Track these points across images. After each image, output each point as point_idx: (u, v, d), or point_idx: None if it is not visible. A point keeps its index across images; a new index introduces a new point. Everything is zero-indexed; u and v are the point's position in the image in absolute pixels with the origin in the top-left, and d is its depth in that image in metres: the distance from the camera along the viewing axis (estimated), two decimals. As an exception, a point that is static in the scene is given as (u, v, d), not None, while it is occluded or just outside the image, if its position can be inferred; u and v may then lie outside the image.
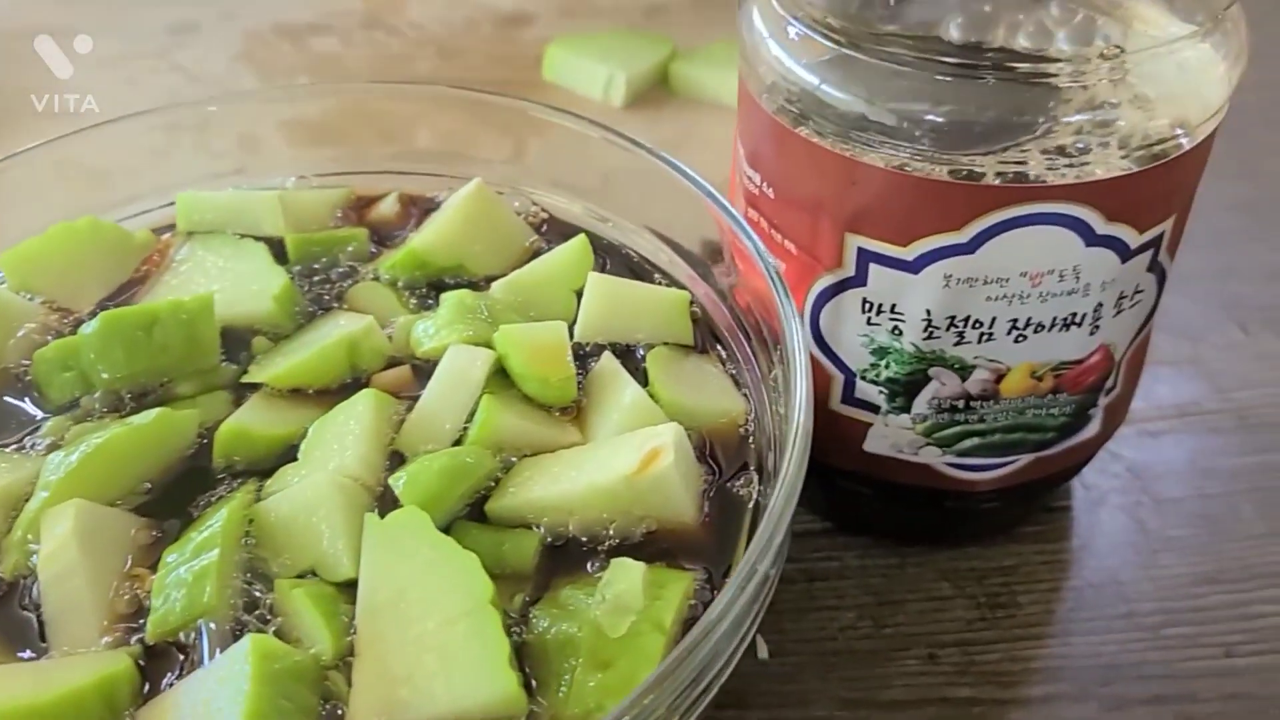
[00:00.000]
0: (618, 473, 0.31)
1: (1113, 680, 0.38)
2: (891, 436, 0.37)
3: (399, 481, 0.31)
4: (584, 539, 0.31)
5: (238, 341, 0.37)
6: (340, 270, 0.40)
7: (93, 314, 0.36)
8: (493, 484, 0.32)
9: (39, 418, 0.34)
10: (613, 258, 0.41)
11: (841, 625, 0.40)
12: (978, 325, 0.34)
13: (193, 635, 0.29)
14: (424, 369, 0.35)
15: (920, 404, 0.36)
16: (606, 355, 0.36)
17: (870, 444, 0.38)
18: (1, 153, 0.40)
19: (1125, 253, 0.33)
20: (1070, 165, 0.31)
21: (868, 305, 0.34)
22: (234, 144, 0.47)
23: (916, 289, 0.33)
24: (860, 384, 0.36)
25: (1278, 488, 0.45)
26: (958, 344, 0.34)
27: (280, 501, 0.31)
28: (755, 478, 0.33)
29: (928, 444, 0.37)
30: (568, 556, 0.31)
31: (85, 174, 0.45)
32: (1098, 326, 0.34)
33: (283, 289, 0.37)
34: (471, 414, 0.33)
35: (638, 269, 0.40)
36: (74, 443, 0.32)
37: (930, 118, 0.31)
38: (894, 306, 0.34)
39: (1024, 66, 0.30)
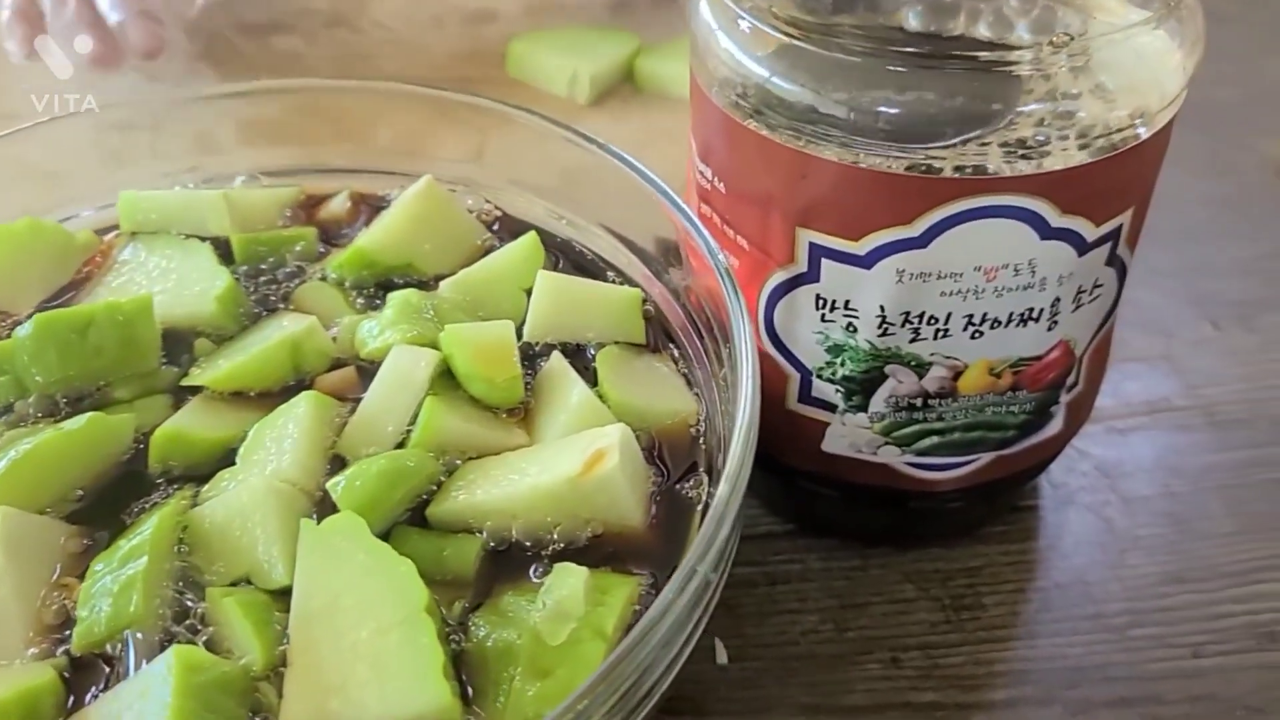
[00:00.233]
0: (562, 475, 0.30)
1: (1078, 683, 0.38)
2: (850, 436, 0.37)
3: (337, 486, 0.30)
4: (528, 543, 0.30)
5: (180, 344, 0.36)
6: (287, 270, 0.39)
7: (31, 317, 0.35)
8: (435, 488, 0.31)
9: (-29, 423, 0.33)
10: (567, 256, 0.40)
11: (803, 629, 0.39)
12: (933, 321, 0.33)
13: (120, 647, 0.28)
14: (369, 370, 0.34)
15: (877, 402, 0.35)
16: (555, 355, 0.35)
17: (828, 444, 0.37)
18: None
19: (1082, 246, 0.32)
20: (1028, 157, 0.30)
21: (821, 301, 0.34)
22: (190, 143, 0.46)
23: (869, 285, 0.32)
24: (816, 382, 0.36)
25: (1246, 485, 0.44)
26: (913, 341, 0.33)
27: (215, 507, 0.30)
28: (705, 479, 0.32)
29: (886, 443, 0.36)
30: (510, 562, 0.30)
31: (32, 173, 0.44)
32: (1056, 322, 0.34)
33: (226, 289, 0.36)
34: (415, 416, 0.32)
35: (591, 267, 0.40)
36: (2, 449, 0.31)
37: (887, 110, 0.30)
38: (848, 303, 0.33)
39: (982, 55, 0.30)
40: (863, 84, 0.31)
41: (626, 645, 0.24)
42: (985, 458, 0.37)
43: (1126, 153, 0.31)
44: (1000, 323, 0.33)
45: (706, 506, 0.31)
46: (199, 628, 0.28)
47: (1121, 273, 0.35)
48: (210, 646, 0.28)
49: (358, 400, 0.33)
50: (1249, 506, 0.43)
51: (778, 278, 0.34)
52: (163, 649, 0.27)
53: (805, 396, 0.36)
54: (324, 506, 0.31)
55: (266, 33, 0.68)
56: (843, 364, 0.35)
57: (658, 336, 0.37)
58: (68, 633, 0.28)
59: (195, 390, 0.34)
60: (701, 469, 0.33)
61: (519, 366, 0.34)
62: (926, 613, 0.40)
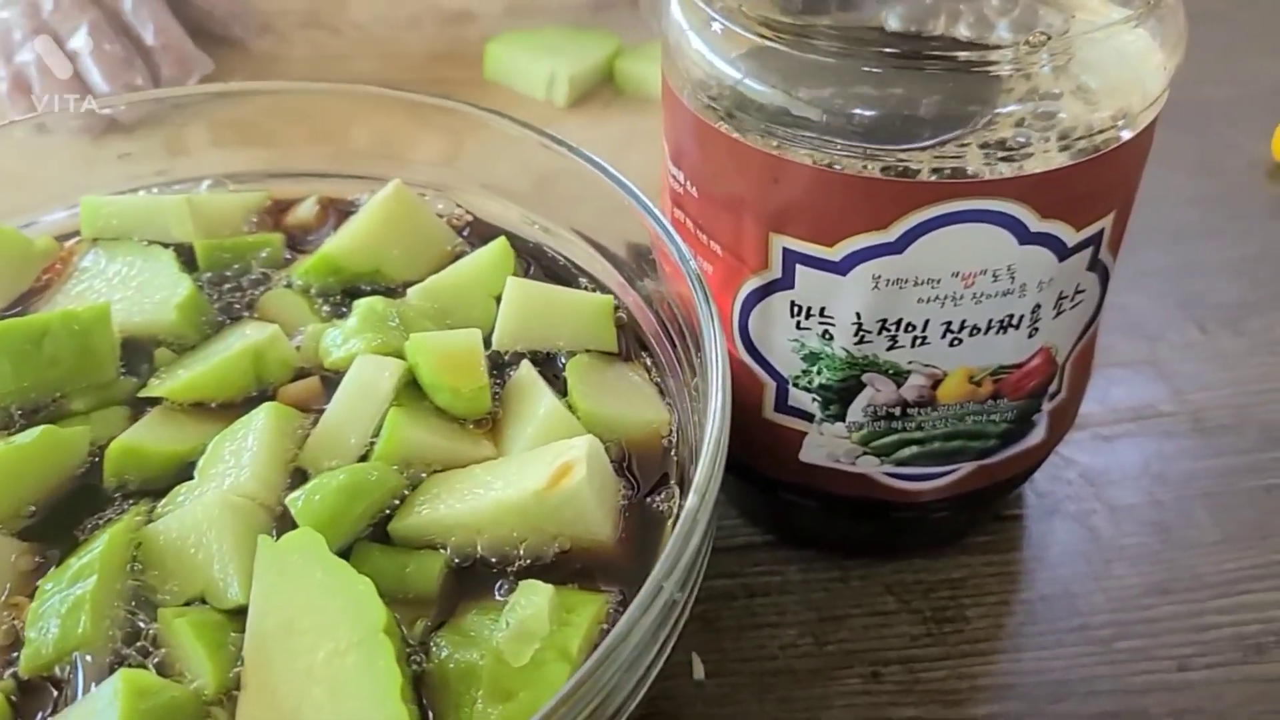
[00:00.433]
0: (528, 489, 0.29)
1: (1063, 697, 0.37)
2: (827, 446, 0.36)
3: (296, 501, 0.29)
4: (493, 560, 0.29)
5: (140, 354, 0.35)
6: (253, 277, 0.38)
7: (-13, 326, 0.34)
8: (399, 502, 0.30)
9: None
10: (539, 262, 0.39)
11: (782, 643, 0.39)
12: (910, 329, 0.32)
13: (68, 669, 0.27)
14: (334, 380, 0.33)
15: (855, 412, 0.34)
16: (525, 364, 0.34)
17: (806, 454, 0.36)
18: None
19: (1062, 251, 0.31)
20: (1007, 160, 0.30)
21: (796, 308, 0.33)
22: (159, 146, 0.45)
23: (845, 291, 0.32)
24: (793, 391, 0.35)
25: (1232, 492, 0.43)
26: (891, 348, 0.33)
27: (169, 523, 0.29)
28: (677, 491, 0.31)
29: (865, 453, 0.36)
30: (475, 579, 0.29)
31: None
32: (1037, 328, 0.33)
33: (187, 297, 0.35)
34: (380, 428, 0.31)
35: (564, 274, 0.39)
36: (-49, 464, 0.30)
37: (863, 112, 0.30)
38: (823, 310, 0.32)
39: (959, 55, 0.29)
40: (837, 85, 0.30)
41: (588, 668, 0.23)
42: (966, 467, 0.36)
43: (1108, 154, 0.30)
44: (979, 330, 0.32)
45: (678, 519, 0.30)
46: (150, 650, 0.27)
47: (1104, 278, 0.34)
48: (163, 669, 0.27)
49: (321, 411, 0.32)
50: (1235, 514, 0.42)
51: (752, 284, 0.33)
52: (112, 672, 0.26)
53: (782, 405, 0.35)
54: (284, 522, 0.30)
55: (242, 34, 0.67)
56: (819, 372, 0.34)
57: (630, 345, 0.36)
58: (15, 654, 0.27)
59: (154, 402, 0.33)
60: (673, 481, 0.32)
61: (486, 376, 0.33)
62: (908, 625, 0.39)
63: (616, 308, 0.36)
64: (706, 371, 0.29)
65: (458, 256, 0.39)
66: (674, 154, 0.35)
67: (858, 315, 0.32)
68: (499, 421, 0.33)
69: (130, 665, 0.27)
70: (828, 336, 0.33)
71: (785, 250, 0.32)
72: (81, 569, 0.28)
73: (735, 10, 0.31)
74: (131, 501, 0.31)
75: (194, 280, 0.37)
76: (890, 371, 0.33)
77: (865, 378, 0.33)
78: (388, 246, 0.38)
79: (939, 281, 0.31)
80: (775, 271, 0.32)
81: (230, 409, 0.33)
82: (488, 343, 0.35)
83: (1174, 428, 0.46)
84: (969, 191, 0.29)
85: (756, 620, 0.39)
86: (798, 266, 0.32)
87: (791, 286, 0.32)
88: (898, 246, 0.30)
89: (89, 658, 0.27)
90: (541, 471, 0.29)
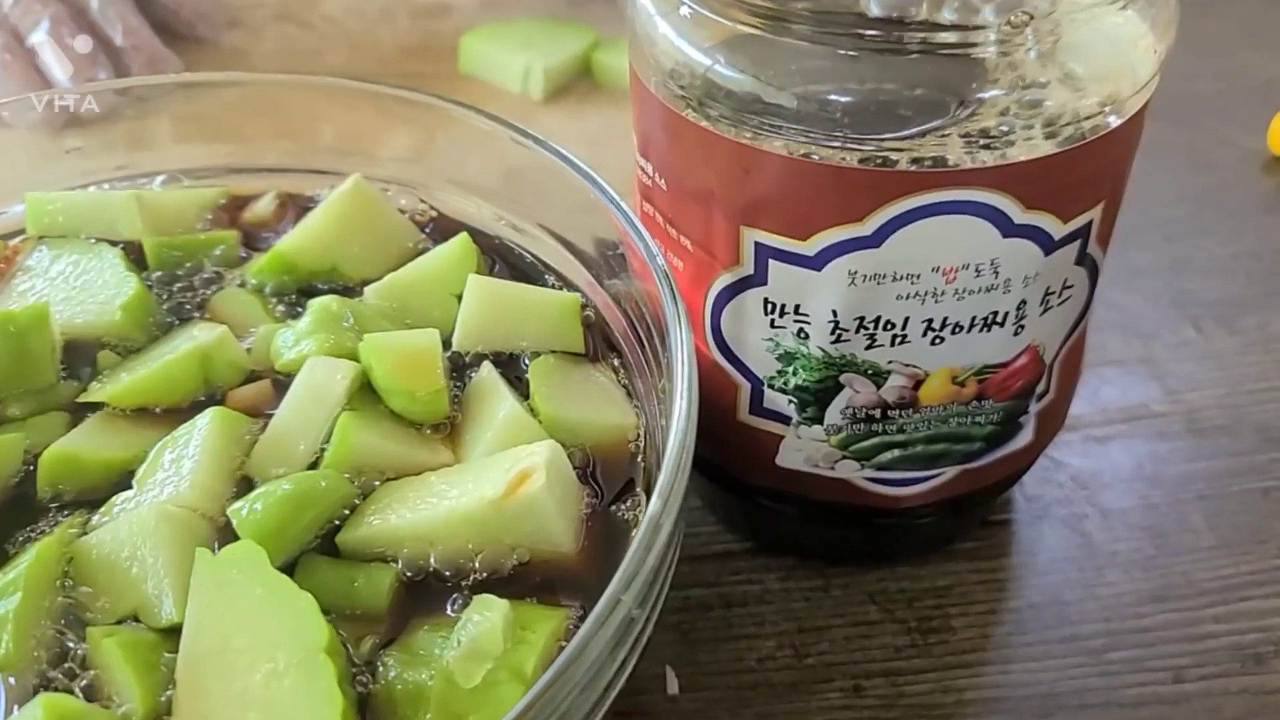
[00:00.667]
0: (484, 497, 0.27)
1: (1053, 710, 0.35)
2: (805, 450, 0.34)
3: (240, 511, 0.28)
4: (447, 573, 0.28)
5: (83, 356, 0.33)
6: (205, 276, 0.37)
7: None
8: (350, 511, 0.29)
9: None
10: (505, 259, 0.38)
11: (760, 655, 0.37)
12: (890, 326, 0.30)
13: (-9, 693, 0.25)
14: (286, 384, 0.32)
15: (833, 414, 0.33)
16: (486, 366, 0.32)
17: (783, 458, 0.35)
18: None
19: (1048, 244, 0.30)
20: (990, 148, 0.28)
21: (770, 306, 0.31)
22: (119, 140, 0.44)
23: (820, 287, 0.30)
24: (768, 393, 0.33)
25: (1227, 495, 0.42)
26: (869, 347, 0.31)
27: (103, 536, 0.27)
28: (643, 499, 0.30)
29: (844, 457, 0.34)
30: (427, 593, 0.28)
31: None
32: (1022, 326, 0.31)
33: (133, 297, 0.34)
34: (331, 433, 0.30)
35: (530, 271, 0.37)
36: (-126, 473, 0.28)
37: (841, 99, 0.28)
38: (798, 307, 0.31)
39: (940, 37, 0.27)
40: (812, 71, 0.28)
41: (537, 690, 0.21)
42: (950, 472, 0.35)
43: (1096, 142, 0.29)
44: (962, 327, 0.31)
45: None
46: (78, 672, 0.26)
47: (1093, 273, 0.33)
48: (91, 692, 0.25)
49: (271, 416, 0.31)
50: (1231, 518, 0.41)
51: (723, 280, 0.32)
52: (36, 695, 0.24)
53: (757, 408, 0.34)
54: (227, 534, 0.28)
55: (210, 31, 0.65)
56: (795, 373, 0.32)
57: (598, 345, 0.34)
58: (-64, 677, 0.26)
59: (96, 407, 0.32)
60: (639, 488, 0.30)
61: (444, 379, 0.31)
62: (891, 636, 0.37)
63: (584, 306, 0.35)
64: (672, 372, 0.27)
65: (420, 254, 0.37)
66: (642, 145, 0.33)
67: (834, 313, 0.30)
68: (458, 426, 0.31)
69: (56, 688, 0.25)
70: (803, 335, 0.31)
71: (757, 245, 0.30)
72: (5, 585, 0.26)
73: (705, -8, 0.29)
74: (67, 513, 0.29)
75: (143, 279, 0.35)
76: (869, 372, 0.32)
77: (843, 378, 0.32)
78: (345, 244, 0.36)
79: (919, 277, 0.29)
80: (747, 267, 0.31)
81: (176, 414, 0.32)
82: (448, 344, 0.33)
83: (1167, 429, 0.45)
84: (948, 181, 0.28)
85: (733, 631, 0.38)
86: (771, 262, 0.30)
87: (764, 283, 0.31)
88: (874, 240, 0.29)
89: (12, 680, 0.25)
90: (498, 479, 0.28)
